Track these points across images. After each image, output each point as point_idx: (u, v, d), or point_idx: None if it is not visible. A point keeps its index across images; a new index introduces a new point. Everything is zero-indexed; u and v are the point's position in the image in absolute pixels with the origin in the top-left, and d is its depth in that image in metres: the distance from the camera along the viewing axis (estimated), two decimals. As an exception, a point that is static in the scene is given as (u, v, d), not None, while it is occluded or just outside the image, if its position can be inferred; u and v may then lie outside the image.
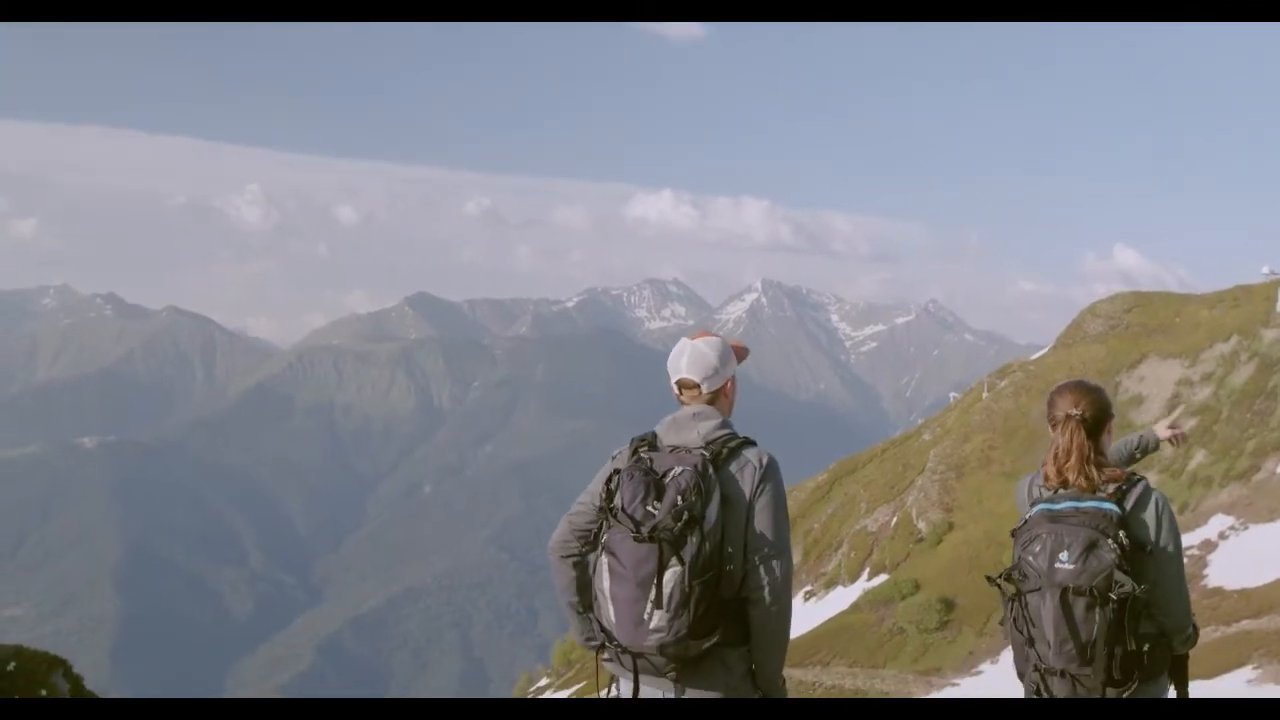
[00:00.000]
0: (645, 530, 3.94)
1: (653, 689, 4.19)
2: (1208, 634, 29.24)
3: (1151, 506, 4.28)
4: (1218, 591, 33.53)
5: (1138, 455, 5.33)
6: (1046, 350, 60.08)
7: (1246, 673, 25.43)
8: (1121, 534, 4.09)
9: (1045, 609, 4.08)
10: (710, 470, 4.07)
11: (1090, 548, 4.05)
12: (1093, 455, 4.37)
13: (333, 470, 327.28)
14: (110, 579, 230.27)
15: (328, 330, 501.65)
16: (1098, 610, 4.01)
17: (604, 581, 4.05)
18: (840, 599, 45.79)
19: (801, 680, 36.43)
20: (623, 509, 4.02)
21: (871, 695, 33.78)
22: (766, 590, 4.09)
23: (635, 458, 4.20)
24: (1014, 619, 4.25)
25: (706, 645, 4.01)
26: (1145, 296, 57.28)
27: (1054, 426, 4.46)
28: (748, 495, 4.12)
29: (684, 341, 4.45)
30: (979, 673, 33.51)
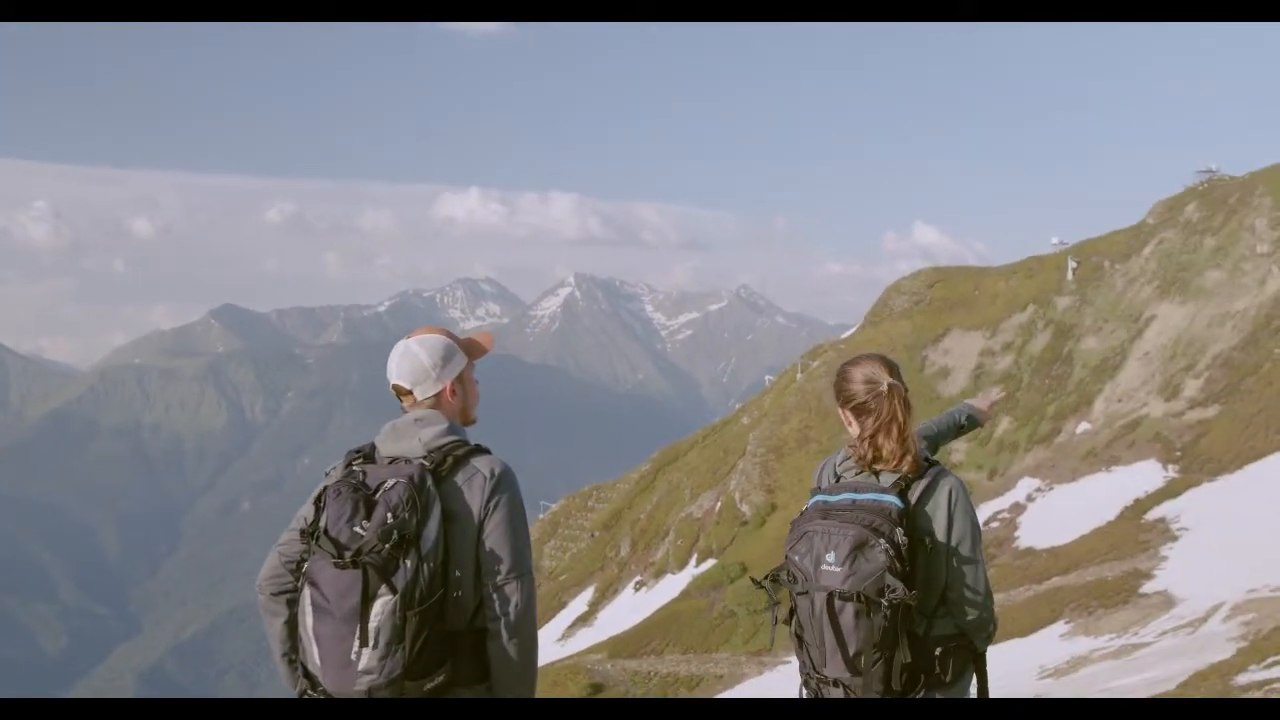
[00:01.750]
0: (349, 555, 3.34)
1: None
2: (1021, 593, 30.52)
3: (942, 497, 3.79)
4: (1029, 552, 34.99)
5: (964, 430, 4.90)
6: (855, 329, 61.75)
7: (1059, 627, 26.63)
8: (899, 532, 3.59)
9: (813, 615, 3.64)
10: (429, 483, 3.49)
11: (858, 548, 3.57)
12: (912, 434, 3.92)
13: (144, 493, 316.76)
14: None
15: (130, 348, 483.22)
16: (866, 618, 3.55)
17: (307, 618, 3.44)
18: (670, 587, 46.35)
19: (636, 670, 36.79)
20: (325, 531, 3.42)
21: (707, 679, 34.30)
22: (504, 619, 3.52)
23: (347, 471, 3.62)
24: (792, 622, 3.79)
25: (429, 686, 3.44)
26: (945, 271, 59.29)
27: (863, 401, 3.93)
28: (476, 510, 3.55)
29: (401, 342, 3.92)
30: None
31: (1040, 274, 52.46)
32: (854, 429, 3.98)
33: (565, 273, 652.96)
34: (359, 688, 3.35)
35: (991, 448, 43.69)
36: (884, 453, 3.83)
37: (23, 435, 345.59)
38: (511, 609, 3.53)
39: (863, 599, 3.54)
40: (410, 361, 3.84)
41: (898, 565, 3.55)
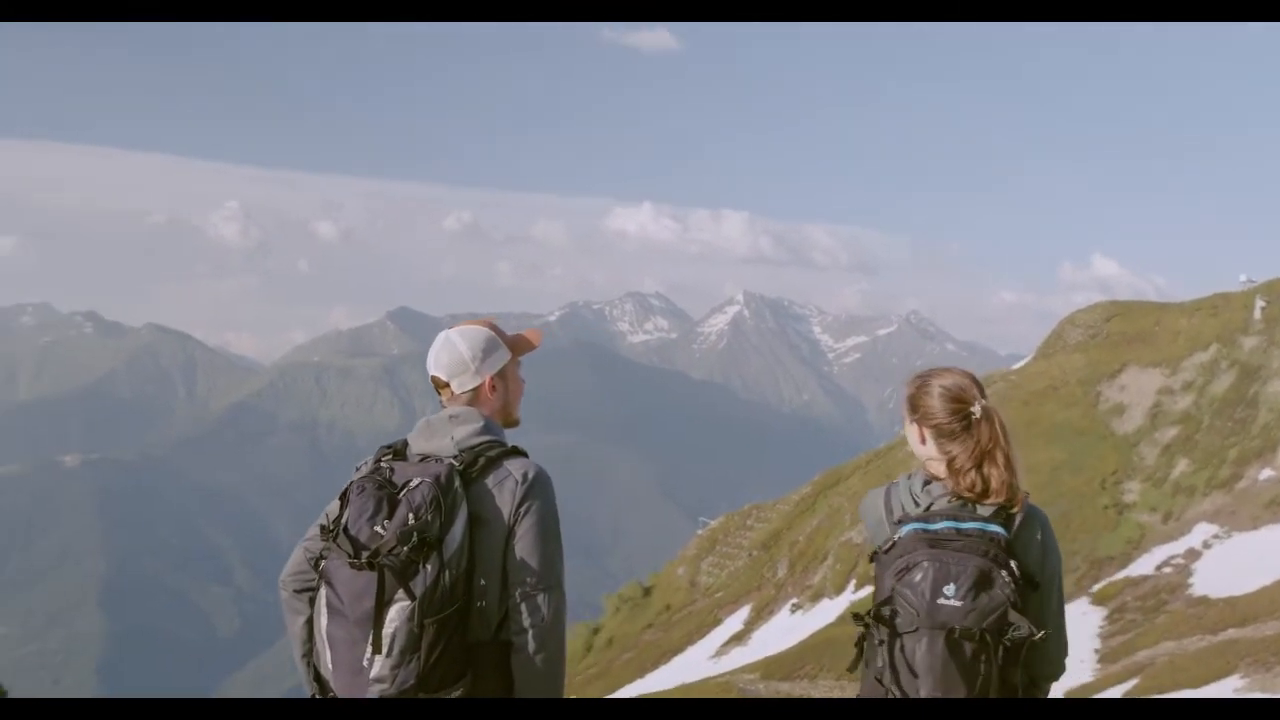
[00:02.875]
0: (366, 556, 3.10)
1: None
2: (1193, 643, 29.57)
3: (1036, 530, 3.40)
4: (1203, 600, 33.82)
5: None
6: (1027, 360, 60.54)
7: (1234, 681, 25.70)
8: (1013, 564, 3.19)
9: (920, 653, 3.13)
10: (456, 483, 3.24)
11: (982, 581, 3.12)
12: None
13: (317, 487, 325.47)
14: (95, 597, 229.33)
15: (309, 347, 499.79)
16: (984, 659, 3.10)
17: (321, 619, 3.22)
18: (826, 612, 46.01)
19: (789, 693, 36.64)
20: (345, 529, 3.18)
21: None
22: (530, 632, 3.26)
23: (374, 467, 3.35)
24: (883, 664, 3.22)
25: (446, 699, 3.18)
26: (1124, 305, 57.76)
27: (944, 422, 3.47)
28: (507, 515, 3.31)
29: (442, 333, 3.70)
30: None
31: (1225, 312, 50.68)
32: (927, 450, 3.50)
33: (734, 290, 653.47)
34: (370, 696, 3.13)
35: (1167, 489, 42.39)
36: (992, 484, 3.35)
37: (208, 425, 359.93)
38: (539, 621, 3.27)
39: (985, 638, 3.09)
40: (449, 352, 3.60)
41: (1019, 600, 3.15)
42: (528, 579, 3.28)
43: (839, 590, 47.83)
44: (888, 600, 3.21)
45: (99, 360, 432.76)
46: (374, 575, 3.08)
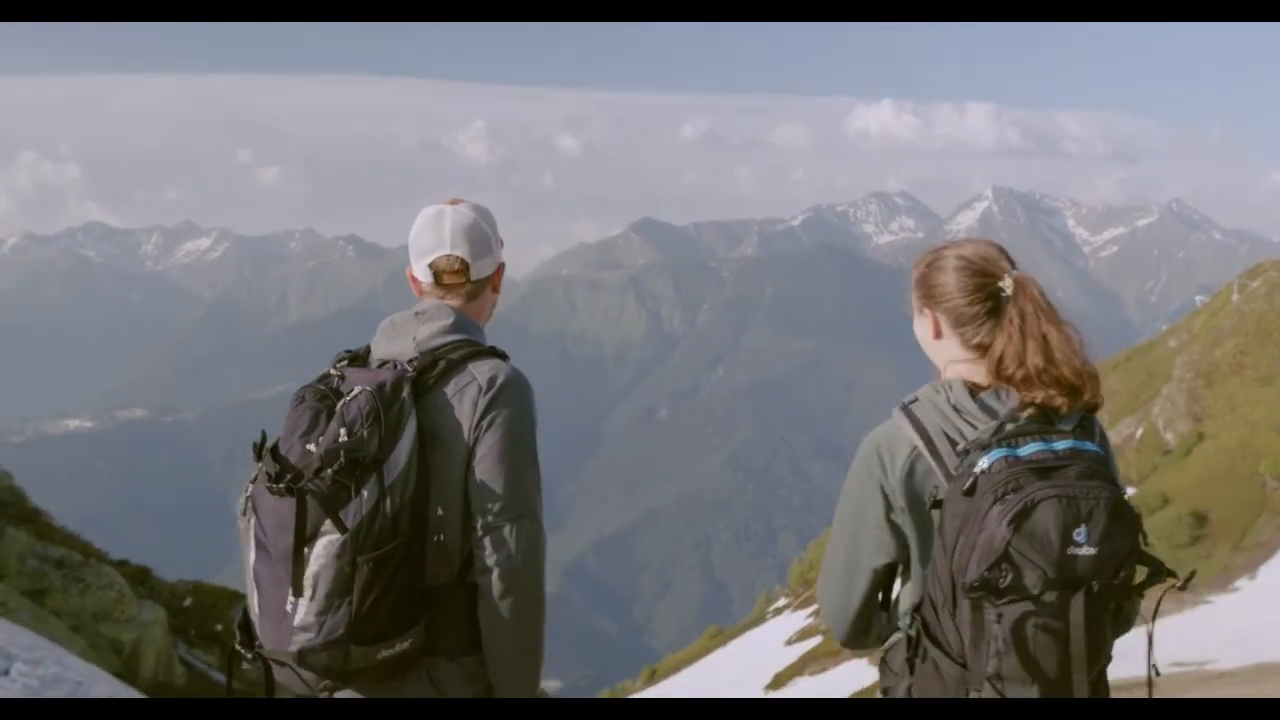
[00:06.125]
0: (285, 481, 2.46)
1: None
2: None
3: (1107, 439, 2.63)
4: None
5: None
6: (1304, 245, 56.60)
7: None
8: (1128, 491, 2.36)
9: (1052, 622, 2.26)
10: (405, 393, 2.59)
11: (1117, 518, 2.27)
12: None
13: (569, 398, 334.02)
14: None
15: (557, 260, 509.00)
16: (1109, 621, 2.34)
17: (249, 555, 2.56)
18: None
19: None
20: (274, 448, 2.56)
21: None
22: (496, 573, 2.62)
23: (322, 375, 2.73)
24: (1004, 644, 2.27)
25: (388, 654, 2.54)
26: None
27: (970, 304, 2.59)
28: (467, 431, 2.65)
29: (437, 207, 2.91)
30: (1235, 589, 32.11)
31: None
32: (946, 346, 2.66)
33: (982, 186, 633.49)
34: (292, 647, 2.50)
35: None
36: (1068, 380, 2.49)
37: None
38: (505, 559, 2.62)
39: (1129, 593, 2.33)
40: (473, 229, 2.88)
41: (1144, 539, 2.36)
42: (491, 507, 2.63)
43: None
44: (1002, 558, 2.24)
45: (361, 282, 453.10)
46: (294, 503, 2.48)
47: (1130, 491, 40.53)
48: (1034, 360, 2.48)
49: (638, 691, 46.86)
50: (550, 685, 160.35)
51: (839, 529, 2.66)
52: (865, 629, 2.73)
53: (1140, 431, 47.11)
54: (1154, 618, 2.43)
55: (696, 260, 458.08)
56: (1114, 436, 48.63)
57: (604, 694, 52.91)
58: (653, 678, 50.69)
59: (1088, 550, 2.25)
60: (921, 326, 2.71)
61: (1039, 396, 2.47)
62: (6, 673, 4.57)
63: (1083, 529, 2.25)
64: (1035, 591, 2.25)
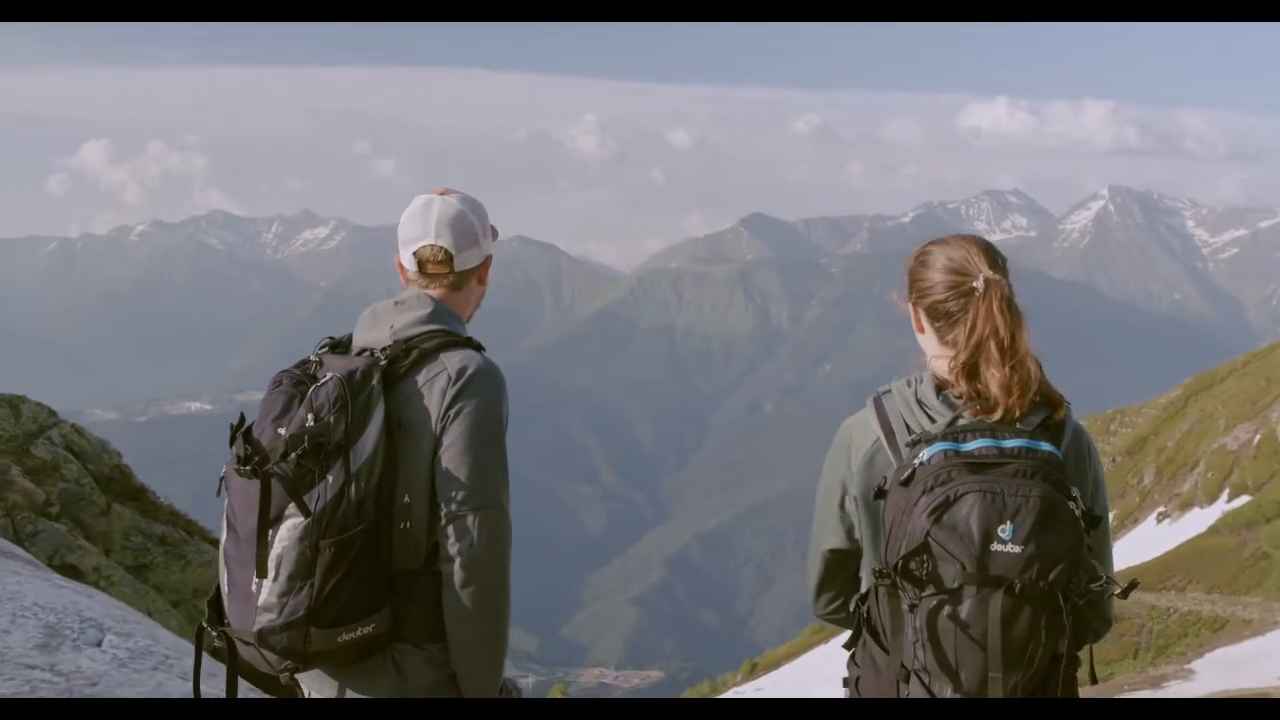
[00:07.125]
0: (252, 463, 2.55)
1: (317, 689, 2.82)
2: None
3: (1084, 445, 2.59)
4: None
5: None
6: None
7: None
8: (1076, 493, 2.32)
9: (970, 618, 2.24)
10: (374, 380, 2.66)
11: (1046, 518, 2.24)
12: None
13: (676, 391, 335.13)
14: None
15: (666, 254, 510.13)
16: (1044, 624, 2.25)
17: (222, 534, 2.69)
18: (1197, 521, 44.65)
19: (1154, 605, 36.00)
20: (248, 431, 2.64)
21: (1233, 623, 32.96)
22: (458, 561, 2.68)
23: (301, 361, 2.81)
24: (915, 636, 2.31)
25: (349, 638, 2.60)
26: None
27: (941, 300, 2.62)
28: (435, 419, 2.72)
29: (421, 199, 3.03)
30: (1349, 598, 32.28)
31: None
32: (928, 341, 2.69)
33: (1098, 184, 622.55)
34: (255, 627, 2.57)
35: None
36: (991, 387, 2.45)
37: (573, 330, 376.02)
38: (468, 548, 2.68)
39: (1054, 595, 2.23)
40: (459, 220, 2.93)
41: (1088, 542, 2.30)
42: (455, 496, 2.69)
43: (1211, 499, 46.23)
44: (921, 549, 2.25)
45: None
46: (259, 485, 2.56)
47: (1244, 499, 40.65)
48: (964, 357, 2.49)
49: (738, 685, 47.85)
50: (652, 676, 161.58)
51: (815, 510, 2.75)
52: (825, 606, 2.82)
53: (1259, 438, 47.01)
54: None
55: (805, 256, 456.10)
56: (1230, 442, 48.63)
57: (704, 686, 53.95)
58: (753, 672, 51.62)
59: (1012, 548, 2.20)
60: (914, 321, 2.74)
61: (975, 392, 2.47)
62: (99, 644, 4.64)
63: (1008, 526, 2.21)
64: (953, 585, 2.22)
